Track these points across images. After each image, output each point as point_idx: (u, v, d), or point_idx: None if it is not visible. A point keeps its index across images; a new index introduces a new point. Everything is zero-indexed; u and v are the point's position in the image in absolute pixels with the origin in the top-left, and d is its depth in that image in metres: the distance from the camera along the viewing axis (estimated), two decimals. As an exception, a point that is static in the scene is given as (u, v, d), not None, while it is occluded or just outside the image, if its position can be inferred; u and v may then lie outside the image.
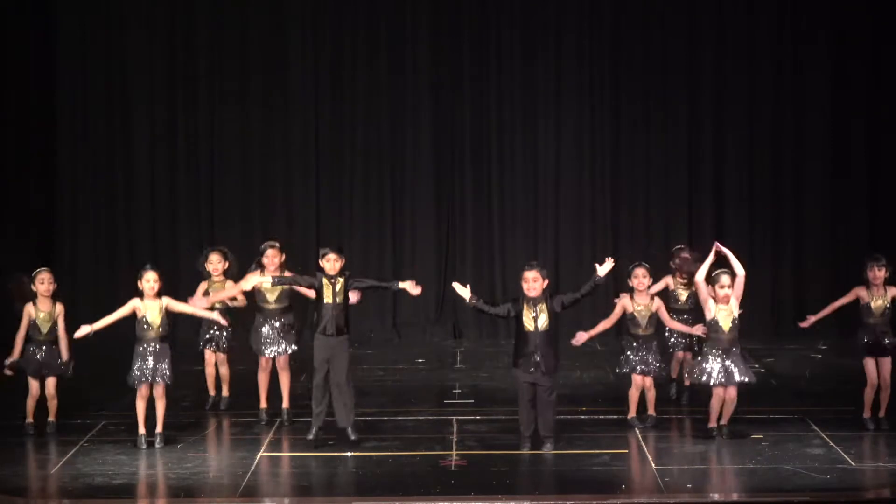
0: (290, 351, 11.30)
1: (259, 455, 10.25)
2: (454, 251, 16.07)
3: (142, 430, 10.44)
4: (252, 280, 10.75)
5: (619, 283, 11.68)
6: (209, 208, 15.96)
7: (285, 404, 11.30)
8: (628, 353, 11.01)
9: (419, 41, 15.95)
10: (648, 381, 10.99)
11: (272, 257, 11.14)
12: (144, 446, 10.37)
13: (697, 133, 15.99)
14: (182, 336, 13.24)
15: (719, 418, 10.53)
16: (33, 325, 10.91)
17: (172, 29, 15.90)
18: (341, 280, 10.47)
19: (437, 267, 16.03)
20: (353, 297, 10.70)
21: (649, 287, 11.00)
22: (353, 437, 10.44)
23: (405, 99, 16.01)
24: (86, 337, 10.40)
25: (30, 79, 15.53)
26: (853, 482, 9.40)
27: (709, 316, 10.45)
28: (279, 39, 15.90)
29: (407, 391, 12.79)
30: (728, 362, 10.38)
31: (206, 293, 11.61)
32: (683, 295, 11.64)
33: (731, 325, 10.41)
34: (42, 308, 10.93)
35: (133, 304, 10.51)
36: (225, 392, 11.88)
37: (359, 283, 10.66)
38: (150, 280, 10.50)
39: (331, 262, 10.46)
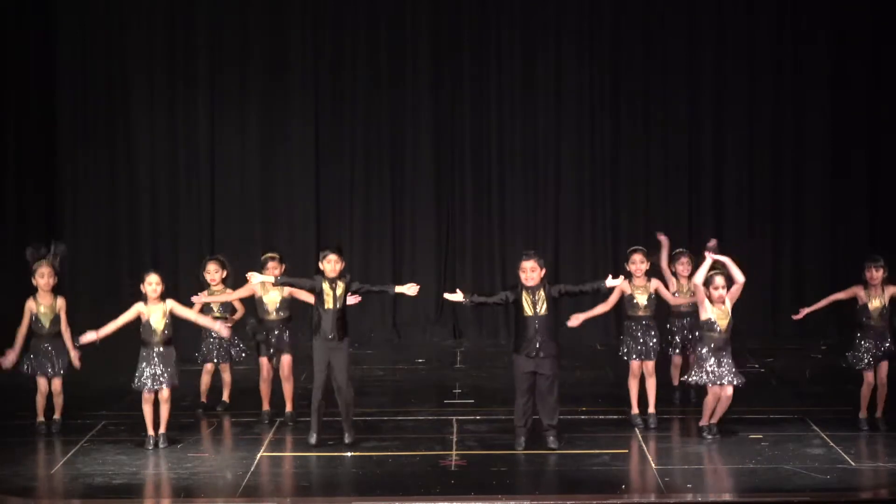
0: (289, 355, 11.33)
1: (259, 455, 10.26)
2: (454, 251, 16.07)
3: (150, 431, 10.44)
4: (258, 278, 10.73)
5: (618, 268, 11.66)
6: (209, 208, 15.96)
7: (289, 408, 11.30)
8: (628, 338, 11.13)
9: (419, 41, 15.95)
10: (649, 366, 11.06)
11: (272, 269, 11.19)
12: (151, 447, 10.37)
13: (697, 133, 15.99)
14: (183, 335, 13.22)
15: (711, 416, 10.55)
16: (35, 320, 10.90)
17: (172, 29, 15.90)
18: (341, 284, 10.46)
19: (437, 267, 16.03)
20: (353, 298, 10.71)
21: (645, 271, 11.14)
22: (348, 440, 10.44)
23: (405, 99, 16.01)
24: (92, 344, 10.39)
25: (30, 79, 15.53)
26: (853, 482, 9.41)
27: (704, 317, 10.47)
28: (279, 39, 15.90)
29: (407, 391, 12.79)
30: (723, 363, 10.40)
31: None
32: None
33: (726, 325, 10.44)
34: (43, 302, 10.91)
35: (137, 309, 10.49)
36: (225, 397, 11.86)
37: (358, 289, 10.64)
38: (152, 283, 10.49)
39: (331, 264, 10.46)
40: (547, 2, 15.91)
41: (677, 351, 11.86)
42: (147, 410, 10.44)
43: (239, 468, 9.85)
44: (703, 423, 10.58)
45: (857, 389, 10.93)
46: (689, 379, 10.66)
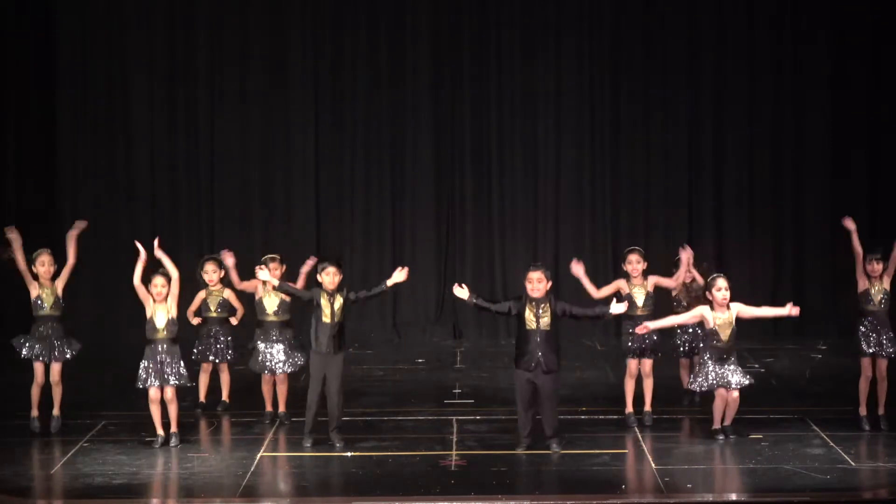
0: (289, 370, 11.28)
1: (259, 455, 10.25)
2: (454, 251, 16.06)
3: (160, 431, 10.44)
4: (265, 275, 10.70)
5: (617, 268, 11.65)
6: (209, 208, 15.96)
7: (282, 409, 11.30)
8: (625, 337, 11.13)
9: (419, 41, 15.94)
10: (647, 365, 11.05)
11: (273, 270, 11.16)
12: (159, 446, 10.37)
13: (697, 133, 15.99)
14: (183, 335, 13.20)
15: (723, 419, 10.53)
16: (36, 303, 10.88)
17: (172, 29, 15.90)
18: (340, 298, 10.42)
19: (437, 267, 16.02)
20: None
21: (639, 274, 11.17)
22: (337, 445, 10.39)
23: (405, 99, 16.01)
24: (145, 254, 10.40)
25: (30, 79, 15.53)
26: (853, 482, 9.41)
27: (708, 326, 10.47)
28: (279, 39, 15.90)
29: (407, 391, 12.79)
30: (727, 367, 10.40)
31: (205, 301, 11.68)
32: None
33: (728, 334, 10.43)
34: (42, 290, 10.91)
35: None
36: (224, 397, 11.85)
37: (356, 299, 10.57)
38: (157, 285, 10.50)
39: (330, 276, 10.41)
40: (547, 2, 15.91)
41: (683, 352, 11.79)
42: (154, 410, 10.44)
43: (239, 468, 9.85)
44: (716, 426, 10.55)
45: (858, 389, 10.92)
46: (692, 385, 10.64)
